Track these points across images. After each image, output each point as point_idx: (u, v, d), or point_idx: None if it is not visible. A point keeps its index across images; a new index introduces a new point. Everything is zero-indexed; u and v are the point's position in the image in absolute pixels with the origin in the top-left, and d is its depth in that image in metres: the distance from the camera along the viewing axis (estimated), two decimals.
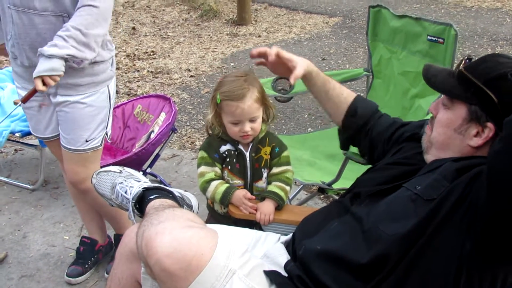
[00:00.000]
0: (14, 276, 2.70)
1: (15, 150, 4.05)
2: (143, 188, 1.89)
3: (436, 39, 2.68)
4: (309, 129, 4.31)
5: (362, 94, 4.70)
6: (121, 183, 1.97)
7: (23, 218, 3.20)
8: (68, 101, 2.22)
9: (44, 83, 2.04)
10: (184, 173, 3.69)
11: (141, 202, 1.88)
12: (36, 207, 3.31)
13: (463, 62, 1.55)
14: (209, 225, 1.63)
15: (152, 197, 1.81)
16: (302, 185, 3.12)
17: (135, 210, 1.89)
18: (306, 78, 2.01)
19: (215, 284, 1.37)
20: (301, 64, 1.93)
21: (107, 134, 2.41)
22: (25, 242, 2.98)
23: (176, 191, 1.95)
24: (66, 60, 2.05)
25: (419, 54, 2.84)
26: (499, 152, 1.27)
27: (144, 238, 1.43)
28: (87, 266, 2.69)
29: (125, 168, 2.08)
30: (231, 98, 1.96)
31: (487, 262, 1.38)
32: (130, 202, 1.89)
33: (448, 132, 1.56)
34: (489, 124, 1.48)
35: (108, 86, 2.31)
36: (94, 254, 2.73)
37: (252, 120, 2.01)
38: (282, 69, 1.97)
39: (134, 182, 1.96)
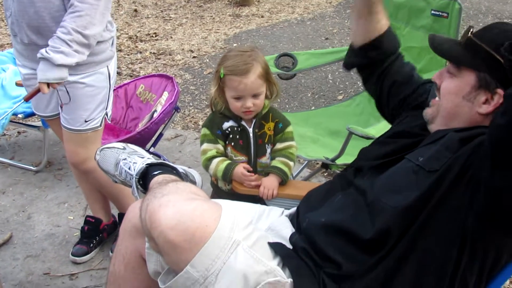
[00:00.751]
0: (20, 256, 2.71)
1: (18, 132, 4.05)
2: (146, 164, 1.89)
3: (440, 13, 2.66)
4: (312, 107, 4.29)
5: None
6: (125, 159, 1.96)
7: (28, 199, 3.21)
8: (67, 80, 2.21)
9: (48, 86, 2.07)
10: (188, 152, 3.69)
11: (144, 178, 1.87)
12: (40, 188, 3.32)
13: (470, 30, 1.53)
14: (213, 199, 1.62)
15: (155, 172, 1.81)
16: (306, 162, 3.11)
17: (139, 186, 1.88)
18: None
19: (219, 255, 1.37)
20: None
21: (107, 115, 2.39)
22: (29, 222, 2.99)
23: (180, 167, 1.94)
24: None
25: (423, 29, 2.81)
26: (501, 126, 1.26)
27: (148, 211, 1.42)
28: (92, 245, 2.70)
29: (129, 144, 2.07)
30: (234, 73, 1.95)
31: (491, 235, 1.37)
32: (134, 178, 1.88)
33: (456, 99, 1.53)
34: (499, 91, 1.45)
35: (108, 66, 2.30)
36: (98, 233, 2.74)
37: (255, 96, 2.00)
38: None
39: (137, 158, 1.95)
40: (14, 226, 2.95)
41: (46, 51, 2.03)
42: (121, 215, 2.75)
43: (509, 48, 1.25)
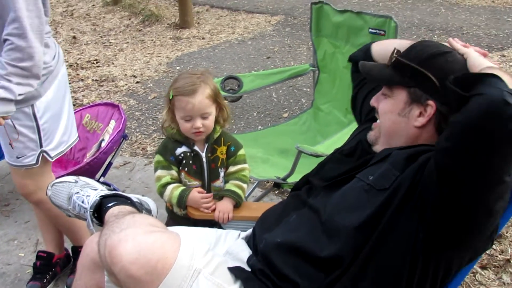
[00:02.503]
0: None
1: None
2: (100, 196, 1.89)
3: (378, 31, 2.76)
4: (259, 127, 4.35)
5: (309, 90, 4.77)
6: (78, 192, 1.95)
7: None
8: None
9: None
10: (138, 179, 3.67)
11: (99, 211, 1.87)
12: None
13: (394, 52, 1.62)
14: (170, 228, 1.64)
15: (110, 204, 1.81)
16: (257, 182, 3.15)
17: (94, 219, 1.88)
18: None
19: (182, 285, 1.39)
20: None
21: (47, 153, 2.32)
22: None
23: (134, 197, 1.95)
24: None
25: None
26: (445, 150, 1.33)
27: (107, 247, 1.43)
28: (45, 280, 2.64)
29: (80, 177, 2.06)
30: (182, 93, 1.99)
31: (440, 249, 1.43)
32: (88, 211, 1.88)
33: (393, 117, 1.62)
34: (430, 102, 1.55)
35: (33, 105, 2.22)
36: (51, 268, 2.69)
37: (204, 117, 2.03)
38: None
39: (90, 191, 1.94)
40: None
41: None
42: (75, 248, 2.71)
43: (453, 82, 1.34)
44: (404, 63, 1.55)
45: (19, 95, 2.03)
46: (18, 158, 2.26)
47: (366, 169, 1.61)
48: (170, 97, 2.03)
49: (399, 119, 1.61)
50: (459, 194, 1.32)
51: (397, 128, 1.62)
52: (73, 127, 2.49)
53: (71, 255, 2.79)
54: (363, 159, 1.69)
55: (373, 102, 1.71)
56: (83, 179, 2.05)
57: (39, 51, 2.06)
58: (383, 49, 1.86)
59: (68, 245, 2.78)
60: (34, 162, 2.29)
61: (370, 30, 2.80)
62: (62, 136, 2.39)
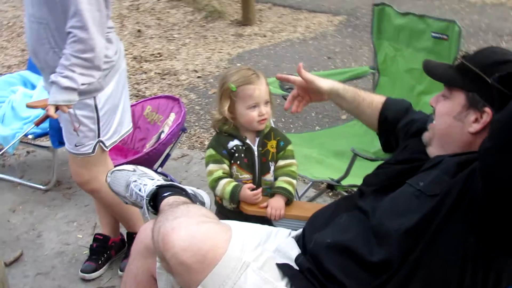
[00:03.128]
0: (30, 273, 2.77)
1: (27, 152, 4.11)
2: (157, 185, 1.95)
3: (440, 35, 2.73)
4: (317, 127, 4.36)
5: (368, 91, 4.74)
6: (135, 181, 2.02)
7: (37, 217, 3.27)
8: None
9: (57, 109, 2.14)
10: (194, 172, 3.75)
11: (155, 200, 1.93)
12: (49, 207, 3.38)
13: (461, 55, 1.62)
14: (222, 221, 1.68)
15: (166, 194, 1.87)
16: (311, 183, 3.17)
17: (149, 207, 1.94)
18: (334, 96, 2.06)
19: (230, 276, 1.42)
20: (317, 79, 2.04)
21: (103, 143, 2.42)
22: (39, 240, 3.05)
23: (189, 189, 2.00)
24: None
25: (424, 51, 2.89)
26: (489, 149, 1.32)
27: (161, 233, 1.48)
28: (100, 262, 2.77)
29: (139, 166, 2.13)
30: (247, 82, 2.08)
31: (490, 255, 1.42)
32: (145, 200, 1.94)
33: (448, 120, 1.62)
34: (487, 109, 1.54)
35: (95, 97, 2.32)
36: (107, 250, 2.81)
37: (266, 104, 2.12)
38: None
39: (148, 180, 2.01)
40: (24, 244, 3.01)
41: (54, 76, 2.11)
42: (129, 234, 2.81)
43: (498, 80, 1.32)
44: (468, 67, 1.54)
45: (82, 84, 2.13)
46: (76, 146, 2.37)
47: (416, 175, 1.61)
48: (234, 89, 2.08)
49: (455, 123, 1.60)
50: (504, 194, 1.31)
51: (452, 132, 1.61)
52: (126, 118, 2.57)
53: (125, 240, 2.89)
54: (413, 165, 1.69)
55: (432, 102, 1.71)
56: (141, 169, 2.13)
57: (100, 43, 2.16)
58: None
59: (123, 230, 2.89)
60: (90, 151, 2.40)
61: (433, 34, 2.77)
62: (116, 126, 2.49)
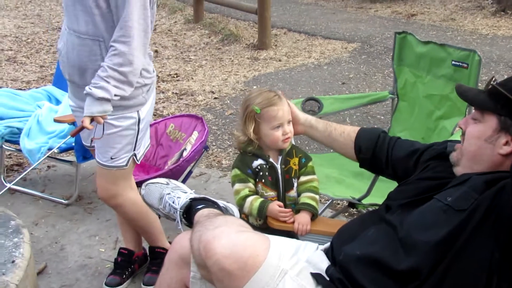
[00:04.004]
0: (55, 285, 2.83)
1: (48, 166, 4.20)
2: (190, 198, 2.03)
3: (461, 64, 2.82)
4: (331, 150, 4.41)
5: (382, 117, 4.81)
6: (169, 193, 2.10)
7: (60, 231, 3.34)
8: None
9: (91, 120, 2.19)
10: (213, 190, 3.82)
11: (188, 212, 2.01)
12: (71, 221, 3.45)
13: (492, 80, 1.70)
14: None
15: (199, 206, 1.95)
16: (328, 202, 3.24)
17: (183, 219, 2.02)
18: (307, 126, 2.29)
19: (269, 283, 1.50)
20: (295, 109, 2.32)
21: (135, 156, 2.49)
22: (63, 253, 3.11)
23: (221, 202, 2.09)
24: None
25: (444, 78, 2.98)
26: None
27: (202, 242, 1.56)
28: (124, 276, 2.82)
29: (172, 180, 2.22)
30: (271, 104, 2.18)
31: None
32: (178, 212, 2.02)
33: (479, 142, 1.70)
34: None
35: (138, 111, 2.40)
36: (131, 265, 2.86)
37: (288, 123, 2.22)
38: None
39: (181, 193, 2.10)
40: (48, 256, 3.08)
41: (89, 87, 2.16)
42: (152, 248, 2.87)
43: None
44: (500, 92, 1.63)
45: (115, 96, 2.19)
46: (112, 159, 2.42)
47: (444, 191, 1.69)
48: (258, 111, 2.17)
49: (485, 145, 1.68)
50: None
51: (482, 153, 1.69)
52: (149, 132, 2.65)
53: (148, 254, 2.95)
54: (440, 181, 1.77)
55: (461, 124, 1.80)
56: (174, 182, 2.21)
57: (139, 61, 2.22)
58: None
59: (145, 245, 2.95)
60: (124, 164, 2.45)
61: (453, 62, 2.87)
62: (146, 141, 2.57)
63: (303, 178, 2.29)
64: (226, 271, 1.48)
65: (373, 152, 2.14)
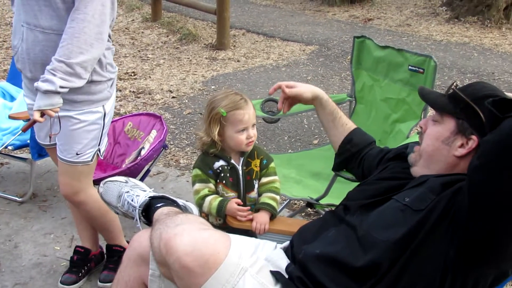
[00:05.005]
0: (8, 284, 2.78)
1: (1, 163, 4.10)
2: (149, 197, 2.03)
3: (417, 69, 2.90)
4: (289, 150, 4.47)
5: None
6: (128, 192, 2.09)
7: (13, 229, 3.27)
8: (64, 115, 2.31)
9: (42, 115, 2.16)
10: (170, 189, 3.81)
11: (147, 210, 2.00)
12: (25, 219, 3.38)
13: (453, 85, 1.77)
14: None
15: (159, 205, 1.95)
16: (285, 203, 3.27)
17: (142, 218, 2.01)
18: (317, 102, 2.26)
19: (229, 280, 1.51)
20: (301, 87, 2.20)
21: (99, 151, 2.49)
22: (16, 251, 3.05)
23: (180, 201, 2.09)
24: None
25: (401, 82, 3.05)
26: (477, 167, 1.48)
27: (163, 239, 1.56)
28: (80, 274, 2.79)
29: (130, 178, 2.21)
30: (237, 107, 2.18)
31: (468, 266, 1.56)
32: (137, 210, 2.02)
33: (437, 143, 1.76)
34: (473, 137, 1.69)
35: (104, 106, 2.40)
36: (87, 263, 2.84)
37: (253, 126, 2.23)
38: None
39: (140, 191, 2.09)
40: (1, 254, 3.01)
41: (36, 82, 2.14)
42: (109, 247, 2.85)
43: (492, 103, 1.47)
44: (460, 96, 1.69)
45: (60, 87, 2.14)
46: (78, 154, 2.41)
47: (402, 192, 1.75)
48: (224, 114, 2.17)
49: (442, 146, 1.74)
50: (489, 210, 1.46)
51: (439, 154, 1.75)
52: None
53: (104, 252, 2.93)
54: (398, 183, 1.83)
55: (421, 123, 1.86)
56: (133, 180, 2.20)
57: (89, 55, 2.18)
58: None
59: (102, 243, 2.93)
60: (89, 159, 2.45)
61: (410, 67, 2.94)
62: (108, 137, 2.56)
63: (264, 179, 2.32)
64: (187, 268, 1.49)
65: (358, 150, 2.20)
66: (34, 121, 2.20)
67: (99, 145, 2.46)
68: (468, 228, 1.51)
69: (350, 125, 2.27)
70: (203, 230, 1.57)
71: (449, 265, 1.56)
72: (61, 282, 2.75)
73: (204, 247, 1.51)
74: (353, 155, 2.22)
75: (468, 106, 1.67)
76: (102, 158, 2.54)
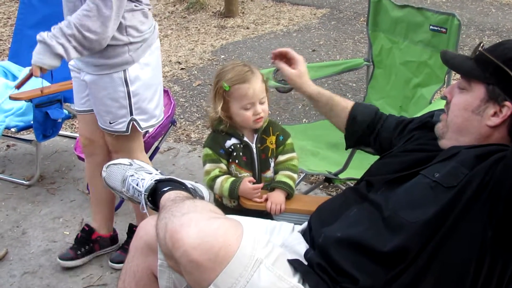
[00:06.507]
0: (16, 273, 2.67)
1: (7, 146, 3.99)
2: (155, 180, 1.88)
3: (439, 28, 2.70)
4: (304, 120, 4.31)
5: (354, 85, 4.73)
6: (132, 175, 1.94)
7: (21, 214, 3.16)
8: (86, 80, 2.32)
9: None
10: (182, 165, 3.68)
11: (153, 195, 1.86)
12: (33, 203, 3.27)
13: (480, 46, 1.57)
14: (230, 216, 1.62)
15: (165, 189, 1.80)
16: (302, 176, 3.12)
17: (148, 203, 1.87)
18: (313, 98, 2.15)
19: (243, 274, 1.37)
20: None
21: (136, 122, 2.37)
22: (25, 238, 2.94)
23: (188, 183, 1.93)
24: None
25: (421, 43, 2.86)
26: None
27: (168, 230, 1.42)
28: (79, 252, 2.70)
29: (135, 160, 2.06)
30: (241, 81, 2.00)
31: (509, 249, 1.39)
32: (143, 195, 1.87)
33: (466, 114, 1.58)
34: (507, 103, 1.51)
35: (125, 71, 2.28)
36: (89, 243, 2.73)
37: (262, 102, 2.05)
38: None
39: (145, 175, 1.94)
40: (9, 242, 2.90)
41: (48, 36, 2.08)
42: (131, 226, 2.75)
43: None
44: (488, 58, 1.50)
45: (69, 57, 2.11)
46: (111, 123, 2.36)
47: (431, 166, 1.58)
48: (227, 89, 2.01)
49: (473, 116, 1.57)
50: None
51: (469, 125, 1.58)
52: (161, 104, 2.54)
53: (117, 237, 2.83)
54: (426, 155, 1.65)
55: (446, 92, 1.67)
56: (138, 162, 2.05)
57: (110, 31, 2.13)
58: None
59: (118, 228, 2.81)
60: (124, 129, 2.38)
61: (431, 27, 2.74)
62: (154, 109, 2.44)
63: (281, 158, 2.15)
64: (196, 262, 1.34)
65: (367, 126, 2.03)
66: (30, 76, 2.18)
67: (131, 114, 2.35)
68: (509, 204, 1.33)
69: (350, 105, 2.11)
70: (213, 219, 1.42)
71: (487, 248, 1.39)
72: (59, 257, 2.69)
73: (214, 239, 1.35)
74: (364, 133, 2.06)
75: (498, 69, 1.47)
76: (142, 131, 2.45)
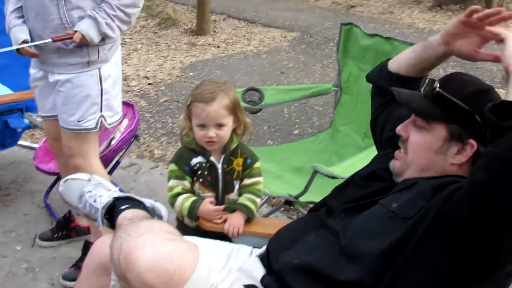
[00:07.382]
0: None
1: None
2: (113, 197, 1.83)
3: None
4: (269, 141, 4.30)
5: (321, 109, 4.72)
6: (90, 191, 1.89)
7: None
8: (60, 80, 2.36)
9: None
10: (143, 182, 3.61)
11: (111, 212, 1.81)
12: None
13: (434, 85, 1.53)
14: (187, 237, 1.58)
15: (123, 207, 1.75)
16: (265, 199, 3.09)
17: (105, 220, 1.81)
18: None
19: None
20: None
21: (104, 118, 2.44)
22: None
23: (147, 202, 1.89)
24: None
25: None
26: (484, 181, 1.28)
27: (123, 251, 1.37)
28: (56, 236, 2.88)
29: (94, 176, 2.00)
30: (199, 100, 1.96)
31: (463, 282, 1.38)
32: (100, 212, 1.82)
33: (428, 154, 1.55)
34: (471, 141, 1.50)
35: (99, 69, 2.38)
36: (67, 229, 2.91)
37: (219, 126, 1.98)
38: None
39: (103, 191, 1.89)
40: None
41: (97, 13, 2.25)
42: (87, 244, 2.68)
43: (492, 109, 1.28)
44: (447, 98, 1.50)
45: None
46: (79, 121, 2.39)
47: (389, 196, 1.56)
48: (188, 103, 2.00)
49: (436, 156, 1.54)
50: (488, 225, 1.29)
51: (434, 165, 1.56)
52: (121, 102, 2.63)
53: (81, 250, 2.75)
54: (386, 185, 1.63)
55: (400, 131, 1.62)
56: (97, 178, 2.00)
57: (142, 2, 2.36)
58: (400, 61, 1.89)
59: None
60: (93, 126, 2.43)
61: None
62: (118, 106, 2.54)
63: (246, 181, 2.11)
64: (149, 286, 1.30)
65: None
66: (71, 37, 2.25)
67: (101, 111, 2.41)
68: (465, 238, 1.33)
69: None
70: (168, 242, 1.38)
71: (442, 280, 1.38)
72: (38, 237, 2.90)
73: (168, 262, 1.31)
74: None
75: (457, 107, 1.48)
76: (108, 127, 2.52)
